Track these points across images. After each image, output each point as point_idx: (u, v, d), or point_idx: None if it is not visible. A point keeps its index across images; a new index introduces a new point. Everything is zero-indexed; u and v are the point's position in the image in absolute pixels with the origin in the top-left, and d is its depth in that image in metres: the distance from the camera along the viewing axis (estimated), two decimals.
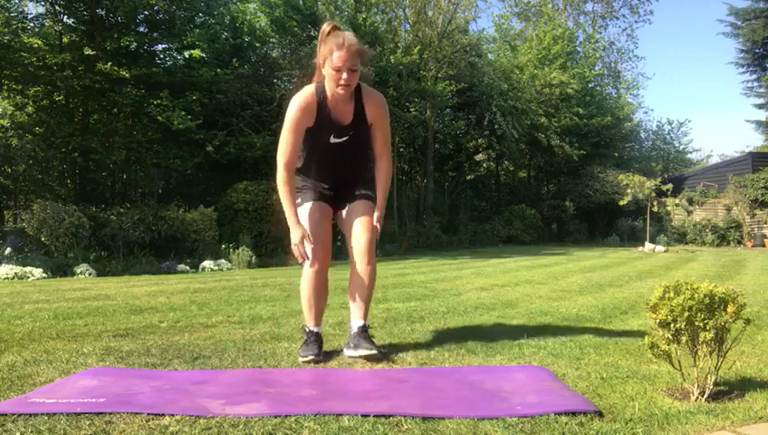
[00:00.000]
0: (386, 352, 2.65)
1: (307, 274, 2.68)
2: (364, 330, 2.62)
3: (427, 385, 2.16)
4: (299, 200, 2.69)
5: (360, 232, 2.67)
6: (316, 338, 2.68)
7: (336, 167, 2.73)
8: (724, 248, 15.84)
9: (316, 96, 2.58)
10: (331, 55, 2.46)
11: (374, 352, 2.53)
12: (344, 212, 2.80)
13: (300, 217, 2.64)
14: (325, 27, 2.56)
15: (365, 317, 2.67)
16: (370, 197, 2.76)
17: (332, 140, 2.63)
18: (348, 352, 2.60)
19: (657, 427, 1.72)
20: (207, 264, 8.70)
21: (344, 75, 2.46)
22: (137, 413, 1.79)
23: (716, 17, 39.06)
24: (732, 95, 63.72)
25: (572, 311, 4.08)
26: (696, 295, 1.94)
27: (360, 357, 2.54)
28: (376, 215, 2.73)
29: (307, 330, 2.70)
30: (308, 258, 2.62)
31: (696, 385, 2.00)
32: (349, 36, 2.49)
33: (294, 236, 2.58)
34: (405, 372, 2.39)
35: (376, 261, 2.72)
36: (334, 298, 4.64)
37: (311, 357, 2.53)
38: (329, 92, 2.58)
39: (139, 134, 11.06)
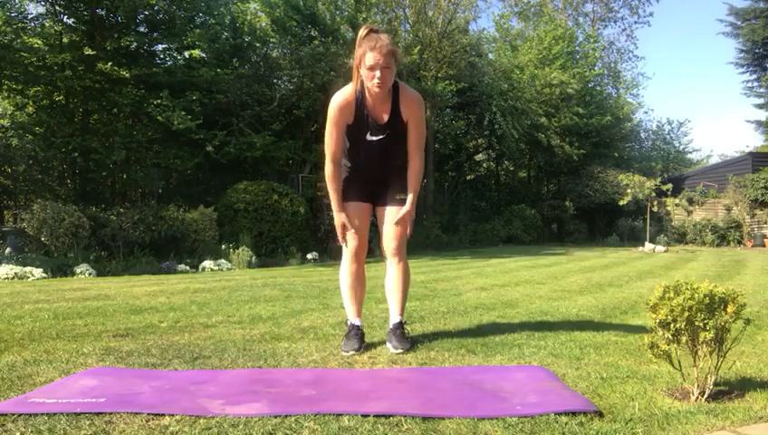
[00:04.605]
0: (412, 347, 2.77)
1: (345, 263, 2.91)
2: (398, 327, 2.80)
3: (427, 385, 2.16)
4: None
5: (391, 235, 2.84)
6: (357, 332, 2.80)
7: (374, 163, 2.84)
8: (724, 248, 15.84)
9: (354, 95, 2.68)
10: (366, 56, 2.54)
11: (399, 351, 2.67)
12: (380, 213, 2.91)
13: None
14: (362, 31, 2.62)
15: (401, 313, 2.86)
16: (405, 201, 2.82)
17: (369, 137, 2.74)
18: (388, 346, 2.77)
19: (657, 427, 1.72)
20: (207, 264, 8.70)
21: (378, 73, 2.54)
22: (137, 413, 1.79)
23: (716, 17, 39.03)
24: (732, 95, 63.90)
25: (572, 311, 4.08)
26: (696, 295, 1.94)
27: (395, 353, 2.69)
28: (404, 210, 2.79)
29: (348, 323, 2.87)
30: (345, 244, 2.85)
31: (696, 385, 2.00)
32: (383, 37, 2.56)
33: (336, 220, 2.82)
34: (405, 371, 2.39)
35: (407, 260, 2.91)
36: (334, 298, 4.64)
37: (352, 352, 2.66)
38: (367, 92, 2.67)
39: (139, 134, 11.05)
